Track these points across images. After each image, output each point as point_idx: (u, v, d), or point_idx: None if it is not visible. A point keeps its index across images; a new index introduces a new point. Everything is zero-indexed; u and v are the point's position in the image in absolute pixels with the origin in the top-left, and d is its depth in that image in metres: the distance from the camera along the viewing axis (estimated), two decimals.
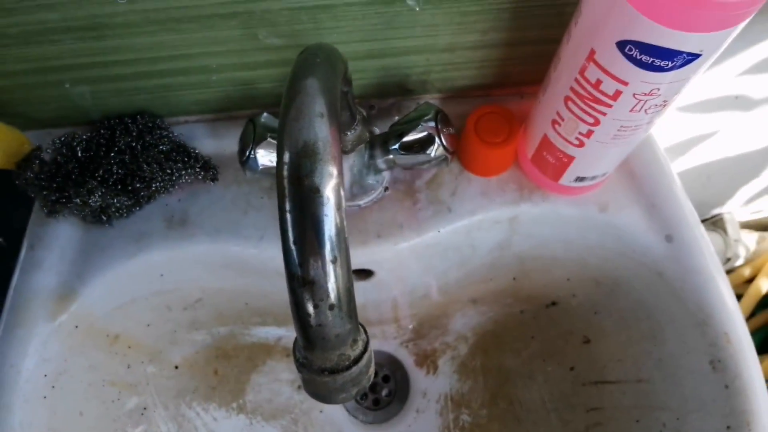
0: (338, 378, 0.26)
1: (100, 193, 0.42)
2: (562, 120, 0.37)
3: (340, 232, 0.23)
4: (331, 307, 0.24)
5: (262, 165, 0.40)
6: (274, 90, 0.44)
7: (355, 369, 0.26)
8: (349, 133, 0.40)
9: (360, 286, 0.49)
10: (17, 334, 0.43)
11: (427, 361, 0.54)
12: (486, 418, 0.51)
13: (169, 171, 0.44)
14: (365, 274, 0.48)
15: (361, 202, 0.44)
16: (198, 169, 0.45)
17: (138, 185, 0.43)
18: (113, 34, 0.38)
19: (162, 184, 0.44)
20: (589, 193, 0.44)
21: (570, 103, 0.35)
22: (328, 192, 0.23)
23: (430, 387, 0.53)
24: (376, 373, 0.55)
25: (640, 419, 0.45)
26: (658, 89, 0.31)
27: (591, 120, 0.35)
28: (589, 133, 0.36)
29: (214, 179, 0.46)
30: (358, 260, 0.46)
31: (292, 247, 0.23)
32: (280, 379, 0.54)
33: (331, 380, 0.26)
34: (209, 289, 0.50)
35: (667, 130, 0.64)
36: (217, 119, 0.47)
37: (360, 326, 0.27)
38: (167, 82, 0.43)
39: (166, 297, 0.50)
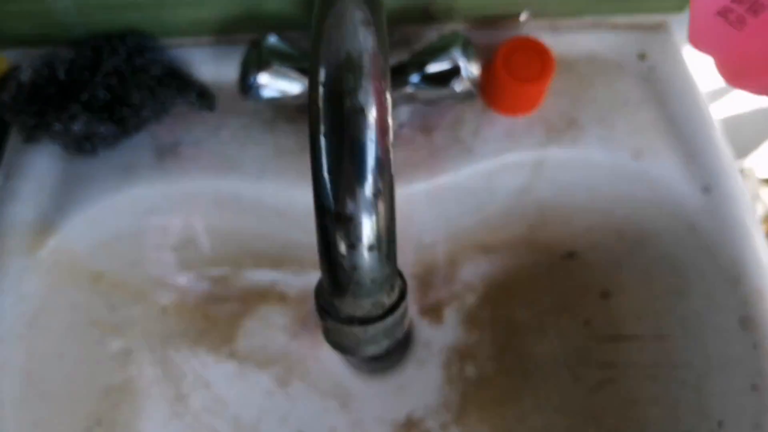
0: (370, 328, 0.22)
1: (84, 120, 0.37)
2: None
3: (385, 161, 0.20)
4: (371, 248, 0.20)
5: (267, 95, 0.36)
6: (282, 11, 0.40)
7: (389, 319, 0.22)
8: None
9: None
10: None
11: (432, 310, 0.51)
12: (493, 372, 0.49)
13: (160, 97, 0.39)
14: None
15: None
16: (193, 97, 0.40)
17: (126, 113, 0.39)
18: None
19: (153, 111, 0.40)
20: (623, 137, 0.41)
21: None
22: (375, 113, 0.19)
23: (434, 338, 0.50)
24: None
25: (657, 376, 0.43)
26: None
27: None
28: None
29: (210, 108, 0.41)
30: None
31: (326, 176, 0.19)
32: (275, 325, 0.51)
33: (361, 330, 0.22)
34: (200, 229, 0.46)
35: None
36: (216, 42, 0.43)
37: (398, 271, 0.23)
38: None
39: (154, 235, 0.46)
